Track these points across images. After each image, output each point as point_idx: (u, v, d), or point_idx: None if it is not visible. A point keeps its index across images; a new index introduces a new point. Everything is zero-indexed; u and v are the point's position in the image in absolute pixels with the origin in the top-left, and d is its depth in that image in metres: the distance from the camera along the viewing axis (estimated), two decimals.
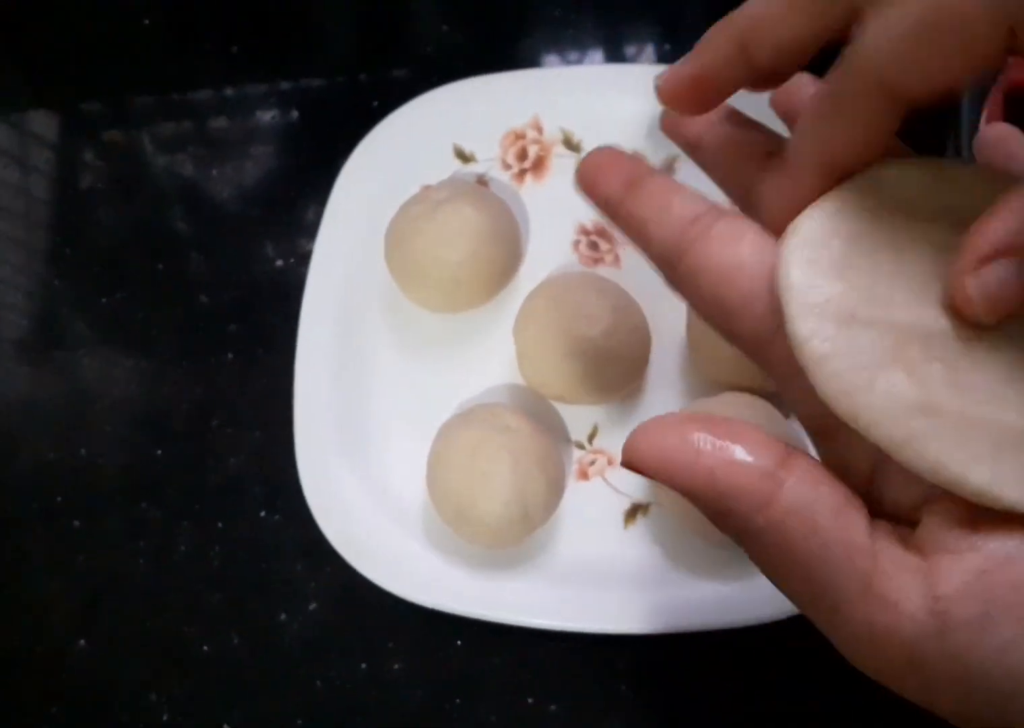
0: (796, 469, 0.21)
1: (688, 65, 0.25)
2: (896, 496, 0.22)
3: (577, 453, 0.51)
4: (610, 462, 0.51)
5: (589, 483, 0.50)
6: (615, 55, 0.60)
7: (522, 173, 0.57)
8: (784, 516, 0.20)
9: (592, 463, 0.51)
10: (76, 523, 0.51)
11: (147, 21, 0.63)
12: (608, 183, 0.26)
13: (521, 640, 0.47)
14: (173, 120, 0.61)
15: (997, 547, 0.20)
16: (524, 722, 0.46)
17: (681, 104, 0.26)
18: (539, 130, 0.57)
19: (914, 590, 0.20)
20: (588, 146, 0.57)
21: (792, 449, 0.22)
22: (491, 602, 0.47)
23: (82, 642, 0.49)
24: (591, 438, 0.51)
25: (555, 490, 0.48)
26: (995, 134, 0.28)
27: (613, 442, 0.51)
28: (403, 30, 0.62)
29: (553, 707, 0.46)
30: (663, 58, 0.60)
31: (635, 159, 0.26)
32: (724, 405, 0.46)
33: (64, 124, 0.62)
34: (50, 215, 0.59)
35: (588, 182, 0.26)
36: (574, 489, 0.50)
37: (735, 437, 0.21)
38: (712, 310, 0.24)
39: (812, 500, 0.21)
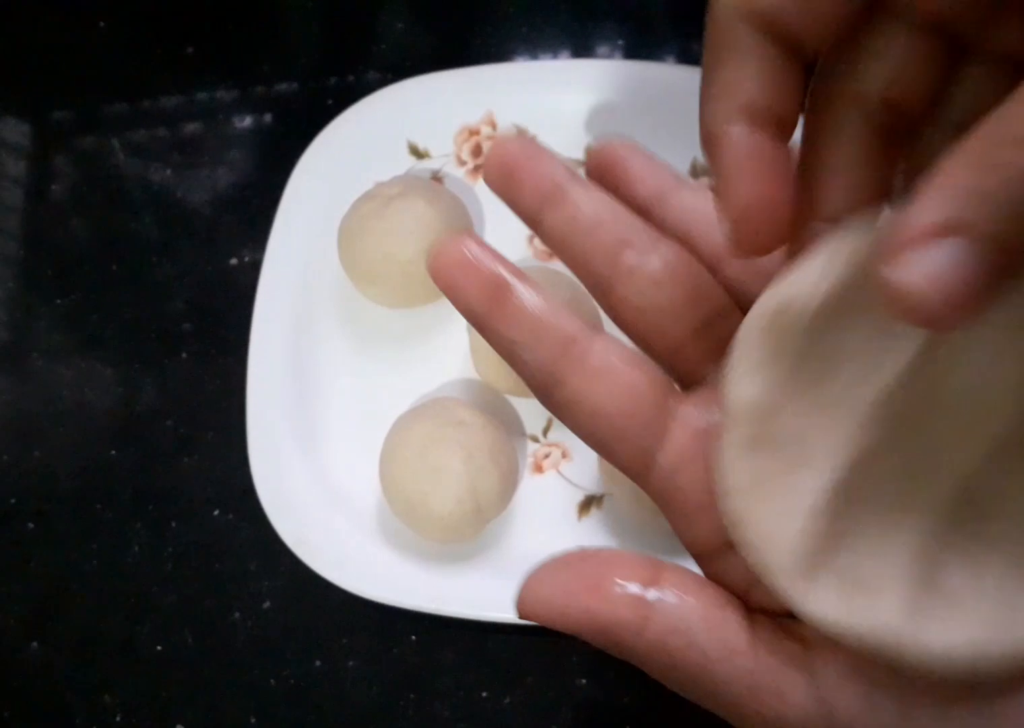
0: (666, 583, 0.21)
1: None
2: (775, 605, 0.22)
3: (531, 446, 0.51)
4: (564, 455, 0.51)
5: (543, 476, 0.50)
6: (573, 51, 0.60)
7: (477, 169, 0.57)
8: (660, 636, 0.21)
9: (547, 456, 0.51)
10: (30, 525, 0.51)
11: (103, 24, 0.63)
12: (471, 293, 0.23)
13: (476, 634, 0.47)
14: (142, 126, 0.61)
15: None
16: (479, 716, 0.46)
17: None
18: (493, 126, 0.57)
19: (798, 679, 0.20)
20: (542, 142, 0.56)
21: (659, 565, 0.22)
22: (445, 596, 0.47)
23: (35, 644, 0.49)
24: (545, 431, 0.51)
25: (508, 484, 0.48)
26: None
27: (568, 435, 0.50)
28: (368, 35, 0.62)
29: (508, 700, 0.46)
30: (620, 52, 0.60)
31: (489, 258, 0.23)
32: None
33: (34, 132, 0.62)
34: (18, 222, 0.59)
35: (451, 293, 0.23)
36: (528, 482, 0.50)
37: (604, 570, 0.22)
38: (588, 441, 0.24)
39: (683, 614, 0.21)
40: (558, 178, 0.24)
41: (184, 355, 0.54)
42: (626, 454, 0.23)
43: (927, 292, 0.16)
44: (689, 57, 0.59)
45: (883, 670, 0.20)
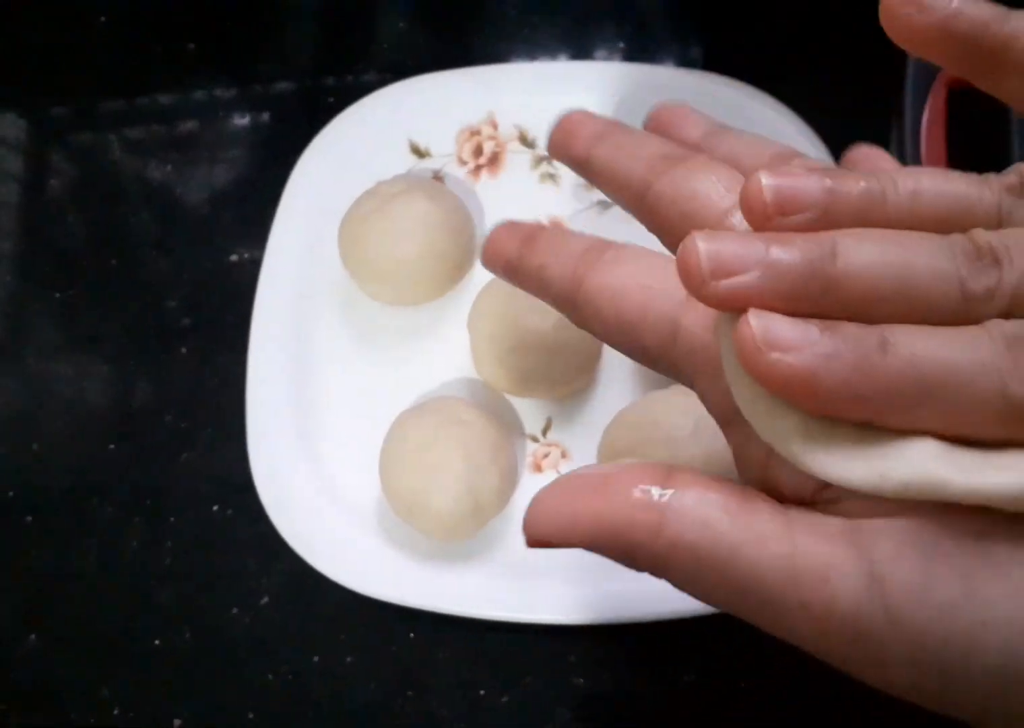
0: (677, 484, 0.21)
1: None
2: (795, 482, 0.21)
3: (531, 446, 0.51)
4: (564, 455, 0.51)
5: (543, 476, 0.50)
6: (573, 53, 0.61)
7: (478, 169, 0.57)
8: (680, 533, 0.20)
9: (546, 456, 0.51)
10: (27, 519, 0.51)
11: (103, 18, 0.63)
12: (507, 248, 0.28)
13: (473, 632, 0.47)
14: (140, 123, 0.61)
15: (927, 504, 0.18)
16: (476, 714, 0.46)
17: None
18: (494, 126, 0.57)
19: (844, 558, 0.19)
20: (543, 142, 0.56)
21: (671, 467, 0.21)
22: (444, 594, 0.47)
23: (32, 638, 0.49)
24: (545, 431, 0.51)
25: (508, 483, 0.48)
26: (862, 153, 0.28)
27: (567, 435, 0.51)
28: (370, 34, 0.62)
29: (505, 699, 0.47)
30: (619, 55, 0.60)
31: (527, 223, 0.28)
32: (676, 395, 0.46)
33: (31, 128, 0.61)
34: (16, 217, 0.59)
35: (492, 256, 0.29)
36: (528, 482, 0.50)
37: (608, 478, 0.21)
38: (615, 329, 0.25)
39: (703, 507, 0.20)
40: (605, 125, 0.27)
41: (183, 351, 0.54)
42: (652, 326, 0.24)
43: None
44: (688, 61, 0.59)
45: (944, 539, 0.18)
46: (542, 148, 0.57)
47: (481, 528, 0.47)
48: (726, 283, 0.19)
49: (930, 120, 0.44)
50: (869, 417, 0.18)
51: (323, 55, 0.62)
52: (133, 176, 0.59)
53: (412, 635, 0.48)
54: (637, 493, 0.20)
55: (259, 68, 0.61)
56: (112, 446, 0.52)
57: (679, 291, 0.22)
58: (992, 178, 0.20)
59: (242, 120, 0.60)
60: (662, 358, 0.24)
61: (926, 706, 0.19)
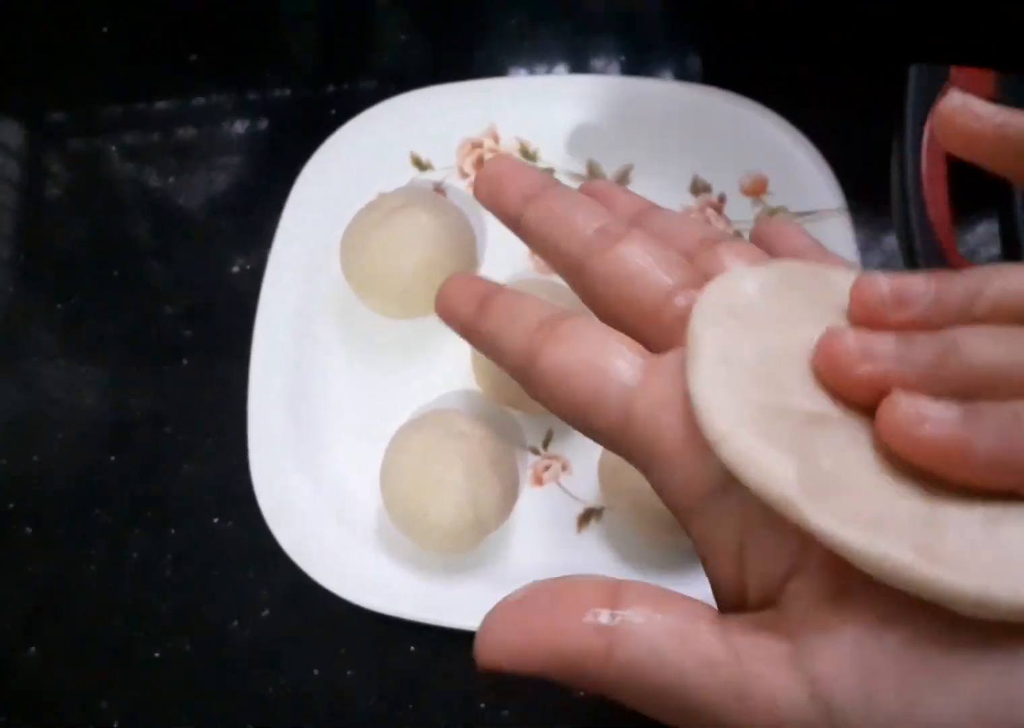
0: (626, 603, 0.21)
1: None
2: (762, 571, 0.21)
3: (532, 459, 0.51)
4: (564, 467, 0.51)
5: (543, 488, 0.51)
6: (572, 66, 0.61)
7: None
8: (628, 660, 0.20)
9: (547, 468, 0.51)
10: (27, 530, 0.51)
11: (105, 29, 0.63)
12: (462, 309, 0.27)
13: (474, 645, 0.47)
14: (139, 129, 0.61)
15: (867, 615, 0.19)
16: (476, 727, 0.46)
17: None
18: (496, 139, 0.57)
19: (790, 680, 0.19)
20: (544, 155, 0.57)
21: (619, 585, 0.21)
22: (444, 607, 0.47)
23: (32, 649, 0.49)
24: (546, 443, 0.51)
25: (508, 495, 0.48)
26: (774, 229, 0.29)
27: (567, 448, 0.51)
28: (370, 43, 0.62)
29: (505, 713, 0.47)
30: (620, 68, 0.60)
31: (483, 280, 0.28)
32: None
33: (29, 133, 0.61)
34: (14, 223, 0.59)
35: (445, 311, 0.28)
36: (528, 494, 0.50)
37: (557, 600, 0.21)
38: (567, 410, 0.24)
39: (651, 632, 0.20)
40: (538, 182, 0.27)
41: (184, 361, 0.54)
42: (605, 410, 0.23)
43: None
44: (687, 74, 0.60)
45: (882, 654, 0.19)
46: (544, 161, 0.57)
47: (481, 541, 0.47)
48: (870, 368, 0.21)
49: (932, 136, 0.44)
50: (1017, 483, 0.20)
51: (323, 64, 0.62)
52: (132, 183, 0.59)
53: (413, 648, 0.48)
54: (587, 618, 0.21)
55: (258, 76, 0.61)
56: (112, 457, 0.52)
57: (632, 375, 0.23)
58: None
59: (240, 128, 0.60)
60: (615, 442, 0.24)
61: None
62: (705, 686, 0.20)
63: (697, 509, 0.22)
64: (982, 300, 0.21)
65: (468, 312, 0.27)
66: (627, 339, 0.24)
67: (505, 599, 0.22)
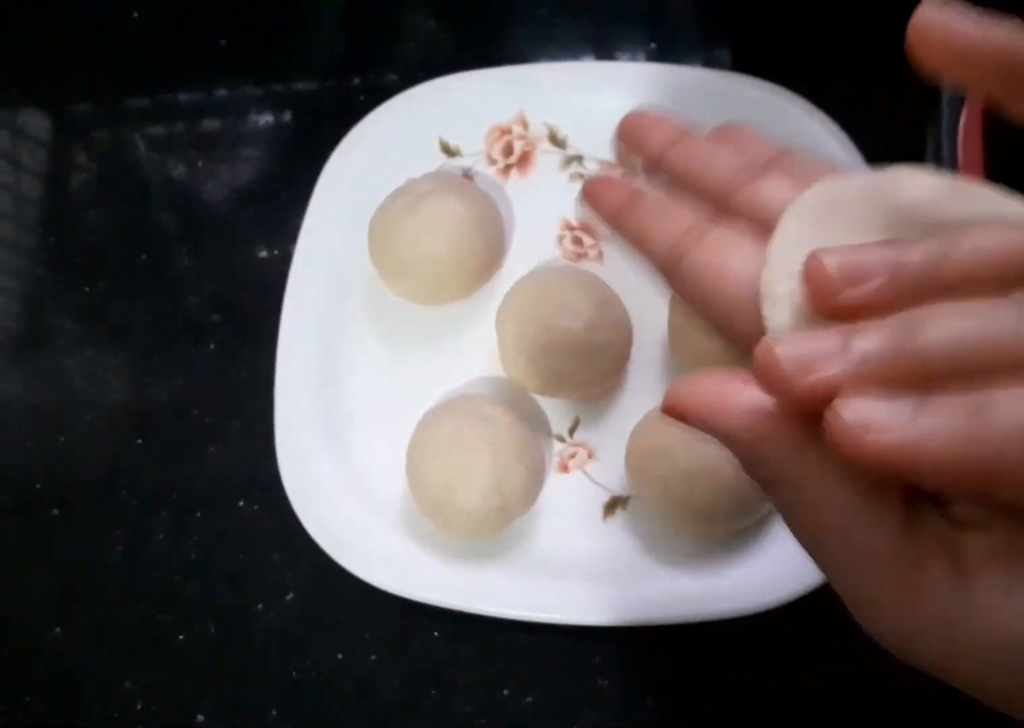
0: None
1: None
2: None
3: (558, 446, 0.51)
4: (590, 455, 0.51)
5: (569, 476, 0.50)
6: (601, 52, 0.60)
7: (507, 168, 0.57)
8: (822, 466, 0.20)
9: (573, 456, 0.51)
10: (54, 512, 0.51)
11: (136, 14, 0.63)
12: (611, 196, 0.29)
13: (498, 631, 0.47)
14: (164, 121, 0.61)
15: (1019, 522, 0.19)
16: (500, 714, 0.46)
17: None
18: (524, 125, 0.57)
19: (942, 555, 0.20)
20: (573, 142, 0.57)
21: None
22: (469, 593, 0.47)
23: (57, 630, 0.49)
24: (572, 431, 0.51)
25: (534, 482, 0.48)
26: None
27: (594, 435, 0.51)
28: (394, 34, 0.62)
29: (529, 699, 0.46)
30: (648, 56, 0.60)
31: (635, 180, 0.29)
32: None
33: (55, 124, 0.62)
34: (39, 213, 0.59)
35: (594, 195, 0.30)
36: (554, 481, 0.50)
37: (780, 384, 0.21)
38: (710, 312, 0.25)
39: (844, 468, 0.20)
40: (681, 129, 0.30)
41: (211, 346, 0.54)
42: (744, 324, 0.23)
43: None
44: (716, 61, 0.59)
45: None
46: (572, 147, 0.57)
47: (507, 527, 0.47)
48: (812, 379, 0.19)
49: (967, 124, 0.44)
50: (984, 486, 0.18)
51: (348, 54, 0.62)
52: (157, 173, 0.59)
53: (436, 633, 0.48)
54: (797, 418, 0.20)
55: (284, 67, 0.61)
56: (139, 440, 0.52)
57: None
58: None
59: (266, 119, 0.60)
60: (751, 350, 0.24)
61: (984, 701, 0.20)
62: (872, 533, 0.20)
63: None
64: (950, 267, 0.20)
65: (618, 202, 0.29)
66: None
67: (713, 368, 0.22)
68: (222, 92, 0.61)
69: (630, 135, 0.31)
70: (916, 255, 0.20)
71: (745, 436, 0.21)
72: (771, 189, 0.26)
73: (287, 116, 0.60)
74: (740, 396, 0.21)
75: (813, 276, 0.20)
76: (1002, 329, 0.19)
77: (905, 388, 0.19)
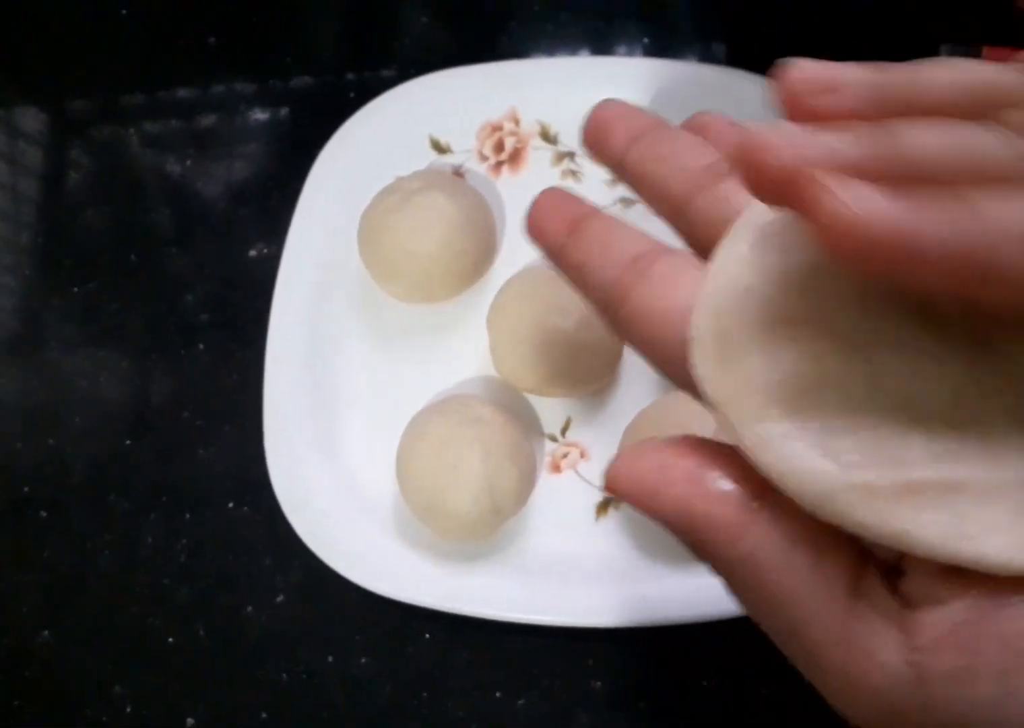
0: (775, 502, 0.20)
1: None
2: (884, 552, 0.20)
3: (550, 446, 0.51)
4: (583, 455, 0.50)
5: (561, 476, 0.50)
6: (594, 48, 0.60)
7: (499, 165, 0.56)
8: (756, 552, 0.19)
9: (565, 456, 0.50)
10: (43, 514, 0.51)
11: (124, 11, 0.63)
12: (552, 229, 0.25)
13: (490, 634, 0.47)
14: (160, 117, 0.60)
15: (982, 596, 0.18)
16: (492, 716, 0.46)
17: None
18: (516, 122, 0.57)
19: (891, 638, 0.19)
20: (565, 139, 0.56)
21: (765, 481, 0.20)
22: (460, 595, 0.46)
23: (47, 634, 0.49)
24: (564, 431, 0.51)
25: (526, 482, 0.47)
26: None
27: (586, 435, 0.51)
28: (390, 29, 0.61)
29: (521, 701, 0.46)
30: (643, 51, 0.59)
31: (579, 200, 0.26)
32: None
33: (51, 122, 0.61)
34: (35, 211, 0.58)
35: (535, 229, 0.26)
36: (546, 482, 0.50)
37: (713, 465, 0.20)
38: (655, 355, 0.23)
39: (789, 531, 0.19)
40: (646, 123, 0.25)
41: (201, 346, 0.54)
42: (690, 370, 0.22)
43: None
44: (711, 56, 0.59)
45: (989, 638, 0.18)
46: (564, 144, 0.56)
47: (498, 528, 0.47)
48: (791, 153, 0.17)
49: None
50: (976, 285, 0.17)
51: (344, 51, 0.61)
52: (152, 170, 0.59)
53: (428, 636, 0.47)
54: (732, 493, 0.20)
55: (279, 63, 0.61)
56: (129, 442, 0.52)
57: None
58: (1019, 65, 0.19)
59: (261, 115, 0.60)
60: (699, 395, 0.22)
61: None
62: (816, 609, 0.19)
63: None
64: (926, 91, 0.19)
65: (557, 234, 0.25)
66: None
67: (650, 440, 0.21)
68: (218, 89, 0.61)
69: (593, 137, 0.27)
70: (895, 75, 0.19)
71: (681, 523, 0.20)
72: (732, 193, 0.23)
73: (283, 113, 0.60)
74: (674, 477, 0.20)
75: (788, 83, 0.19)
76: (988, 142, 0.18)
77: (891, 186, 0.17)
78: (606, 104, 0.27)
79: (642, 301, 0.22)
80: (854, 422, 0.19)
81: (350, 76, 0.60)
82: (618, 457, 0.21)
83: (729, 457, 0.20)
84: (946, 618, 0.18)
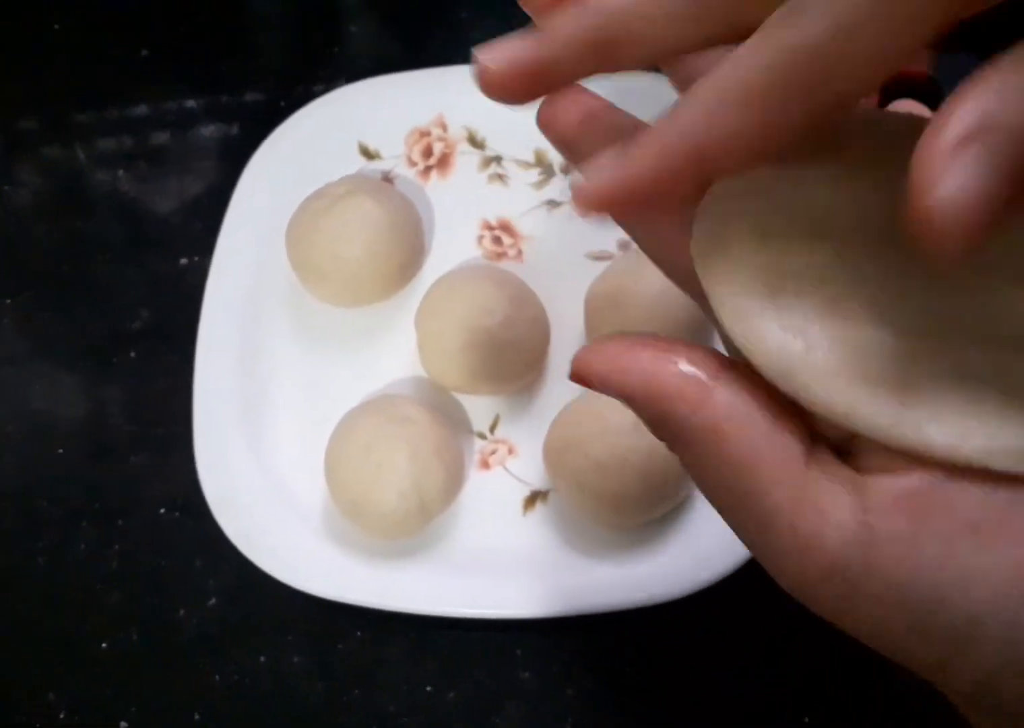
0: (733, 375, 0.21)
1: (529, 50, 0.23)
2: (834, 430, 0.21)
3: (479, 443, 0.51)
4: (511, 451, 0.51)
5: (490, 472, 0.51)
6: None
7: (427, 170, 0.57)
8: (715, 418, 0.20)
9: (493, 452, 0.51)
10: None
11: (57, 26, 0.63)
12: (564, 120, 0.25)
13: (421, 629, 0.47)
14: (109, 135, 0.61)
15: (932, 470, 0.19)
16: (424, 710, 0.46)
17: (507, 93, 0.23)
18: (443, 128, 0.58)
19: (844, 500, 0.19)
20: (492, 143, 0.57)
21: (733, 360, 0.21)
22: (390, 592, 0.47)
23: None
24: (493, 428, 0.51)
25: (454, 480, 0.48)
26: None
27: (514, 432, 0.51)
28: (338, 44, 0.62)
29: (452, 694, 0.46)
30: None
31: (593, 95, 0.25)
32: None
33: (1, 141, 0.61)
34: None
35: (546, 119, 0.25)
36: (475, 479, 0.50)
37: (673, 349, 0.21)
38: (662, 257, 0.24)
39: (747, 403, 0.20)
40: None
41: (133, 354, 0.54)
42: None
43: (955, 217, 0.15)
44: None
45: (937, 506, 0.19)
46: (491, 148, 0.57)
47: (425, 525, 0.47)
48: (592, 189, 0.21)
49: None
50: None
51: (292, 65, 0.62)
52: (98, 186, 0.59)
53: (359, 633, 0.48)
54: (691, 366, 0.21)
55: (226, 79, 0.61)
56: (61, 449, 0.52)
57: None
58: None
59: (209, 131, 0.60)
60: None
61: (884, 653, 0.20)
62: (770, 474, 0.20)
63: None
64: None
65: (569, 125, 0.25)
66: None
67: (616, 335, 0.22)
68: (169, 104, 0.61)
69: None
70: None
71: (644, 396, 0.21)
72: None
73: (233, 128, 0.60)
74: (639, 356, 0.21)
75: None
76: None
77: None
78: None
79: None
80: (828, 311, 0.20)
81: (299, 90, 0.60)
82: (583, 348, 0.22)
83: (687, 344, 0.21)
84: (897, 485, 0.19)
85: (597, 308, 0.50)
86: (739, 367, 0.21)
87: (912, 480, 0.19)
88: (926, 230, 0.16)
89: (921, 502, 0.19)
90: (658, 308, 0.48)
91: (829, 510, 0.19)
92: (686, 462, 0.21)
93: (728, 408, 0.20)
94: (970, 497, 0.19)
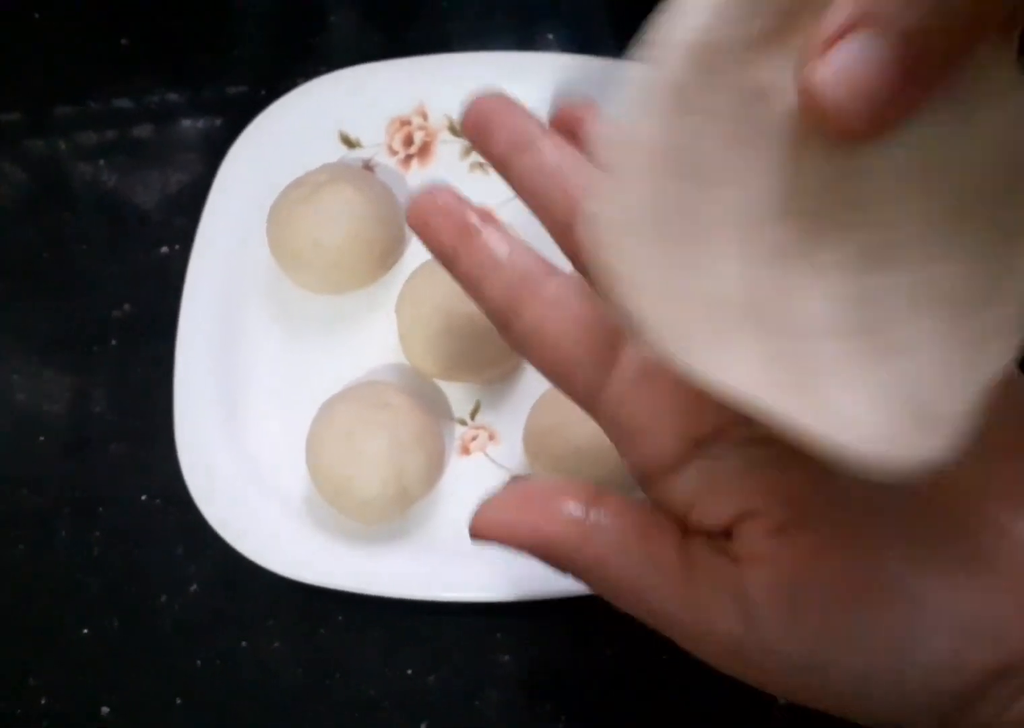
0: (604, 505, 0.24)
1: None
2: (712, 522, 0.23)
3: (460, 430, 0.51)
4: (491, 437, 0.51)
5: (471, 458, 0.51)
6: (502, 44, 0.61)
7: (408, 158, 0.57)
8: (598, 553, 0.23)
9: (474, 438, 0.51)
10: None
11: (37, 15, 0.63)
12: (442, 234, 0.27)
13: (401, 614, 0.47)
14: (92, 128, 0.60)
15: (801, 549, 0.22)
16: (404, 694, 0.47)
17: None
18: (424, 117, 0.58)
19: (726, 598, 0.22)
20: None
21: (602, 489, 0.24)
22: (371, 577, 0.47)
23: None
24: (474, 414, 0.52)
25: (434, 466, 0.48)
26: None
27: (495, 417, 0.52)
28: (323, 35, 0.62)
29: (432, 678, 0.47)
30: (547, 46, 0.60)
31: (464, 206, 0.27)
32: None
33: None
34: None
35: (420, 224, 0.28)
36: (456, 465, 0.50)
37: (545, 493, 0.24)
38: (547, 369, 0.26)
39: (620, 533, 0.23)
40: (529, 128, 0.27)
41: (113, 342, 0.54)
42: (579, 382, 0.25)
43: (838, 93, 0.16)
44: (623, 53, 0.60)
45: (809, 584, 0.21)
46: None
47: (406, 511, 0.48)
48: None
49: None
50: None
51: (274, 57, 0.62)
52: (77, 177, 0.59)
53: (340, 618, 0.48)
54: (567, 511, 0.23)
55: (209, 72, 0.61)
56: (41, 437, 0.52)
57: (607, 352, 0.24)
58: None
59: (193, 123, 0.60)
60: (587, 409, 0.26)
61: (808, 705, 0.23)
62: (656, 584, 0.23)
63: (654, 479, 0.24)
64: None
65: (447, 239, 0.27)
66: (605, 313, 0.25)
67: (501, 488, 0.25)
68: (152, 98, 0.61)
69: (475, 130, 0.27)
70: None
71: (538, 547, 0.24)
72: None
73: (216, 120, 0.60)
74: (525, 513, 0.24)
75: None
76: None
77: None
78: (486, 97, 0.28)
79: (535, 320, 0.25)
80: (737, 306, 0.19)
81: (283, 84, 0.60)
82: (476, 513, 0.25)
83: (563, 485, 0.24)
84: (771, 571, 0.22)
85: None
86: (608, 491, 0.24)
87: (783, 564, 0.22)
88: (817, 102, 0.17)
89: (794, 583, 0.21)
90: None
91: (713, 606, 0.22)
92: (593, 589, 0.24)
93: (605, 542, 0.23)
94: (839, 575, 0.21)
